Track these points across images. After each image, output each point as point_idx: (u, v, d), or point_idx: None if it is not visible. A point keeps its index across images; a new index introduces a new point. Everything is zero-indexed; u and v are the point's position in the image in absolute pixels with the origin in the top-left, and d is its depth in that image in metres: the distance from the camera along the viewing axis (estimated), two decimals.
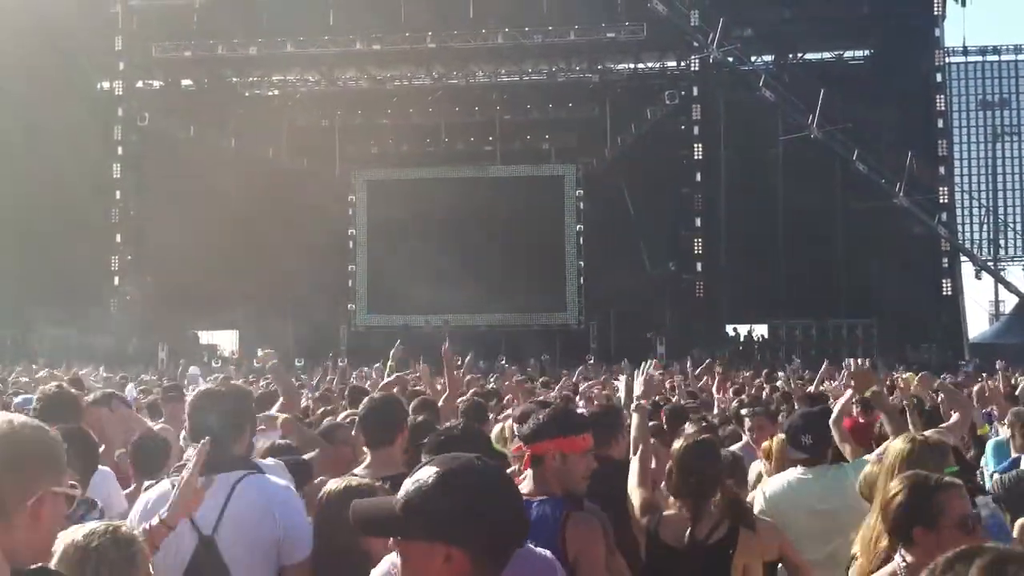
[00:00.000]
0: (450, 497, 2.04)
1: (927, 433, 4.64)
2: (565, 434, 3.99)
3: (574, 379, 14.47)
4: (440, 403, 7.01)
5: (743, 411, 7.57)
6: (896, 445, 4.07)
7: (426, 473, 2.10)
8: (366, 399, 5.28)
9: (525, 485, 3.90)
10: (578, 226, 38.80)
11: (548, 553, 3.20)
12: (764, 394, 11.32)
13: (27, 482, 2.11)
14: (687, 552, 4.29)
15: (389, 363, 9.30)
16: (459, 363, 9.46)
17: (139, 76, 40.04)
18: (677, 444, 4.57)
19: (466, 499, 2.04)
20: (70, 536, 2.70)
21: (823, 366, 13.68)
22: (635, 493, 4.59)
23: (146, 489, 4.21)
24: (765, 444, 5.82)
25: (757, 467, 6.08)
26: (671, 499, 4.51)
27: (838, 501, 4.79)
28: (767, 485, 5.27)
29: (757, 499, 5.14)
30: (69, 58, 38.10)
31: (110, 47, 38.10)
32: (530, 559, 3.14)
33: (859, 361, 6.63)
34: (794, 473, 5.22)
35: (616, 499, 4.54)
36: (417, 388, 9.10)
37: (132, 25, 38.26)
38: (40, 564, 2.17)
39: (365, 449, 5.00)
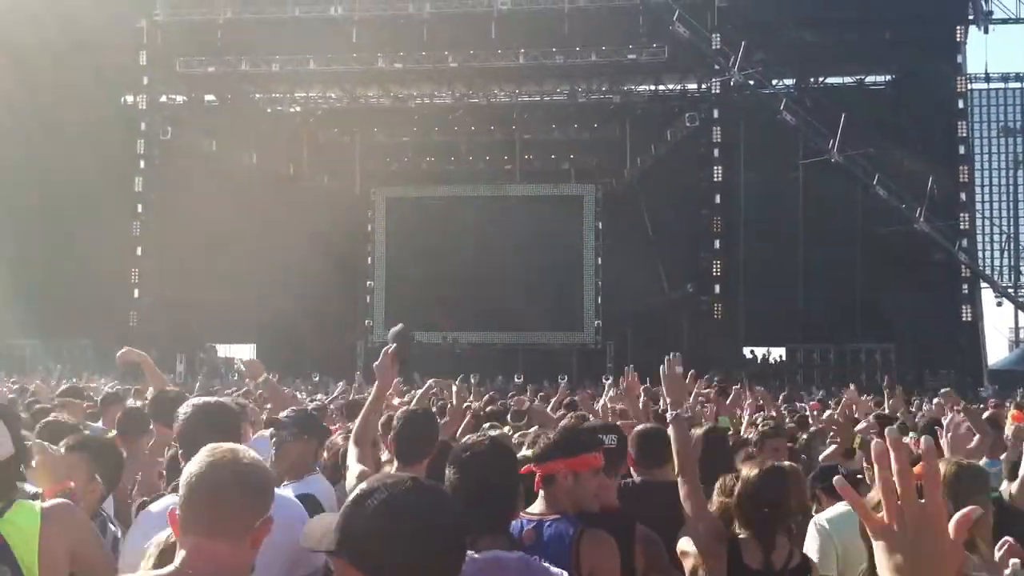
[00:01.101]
0: (377, 525, 2.02)
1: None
2: (576, 453, 3.99)
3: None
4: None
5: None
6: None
7: (363, 496, 2.08)
8: (403, 412, 5.23)
9: (537, 505, 3.91)
10: (597, 246, 38.81)
11: (563, 573, 3.22)
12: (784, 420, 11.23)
13: (262, 509, 2.44)
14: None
15: (416, 387, 9.30)
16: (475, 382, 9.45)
17: (163, 91, 40.34)
18: (748, 471, 4.44)
19: (395, 528, 2.01)
20: None
21: (849, 390, 13.31)
22: (701, 518, 4.36)
23: (141, 506, 4.17)
24: None
25: None
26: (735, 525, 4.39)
27: None
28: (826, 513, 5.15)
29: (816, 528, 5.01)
30: (94, 71, 38.42)
31: (135, 61, 38.38)
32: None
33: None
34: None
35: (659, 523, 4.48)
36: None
37: (157, 40, 38.55)
38: None
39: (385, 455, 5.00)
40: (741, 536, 4.33)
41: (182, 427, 3.88)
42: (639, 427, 5.33)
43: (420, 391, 7.41)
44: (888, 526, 1.60)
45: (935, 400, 12.70)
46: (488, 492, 3.23)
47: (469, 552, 3.02)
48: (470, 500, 3.17)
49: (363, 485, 2.14)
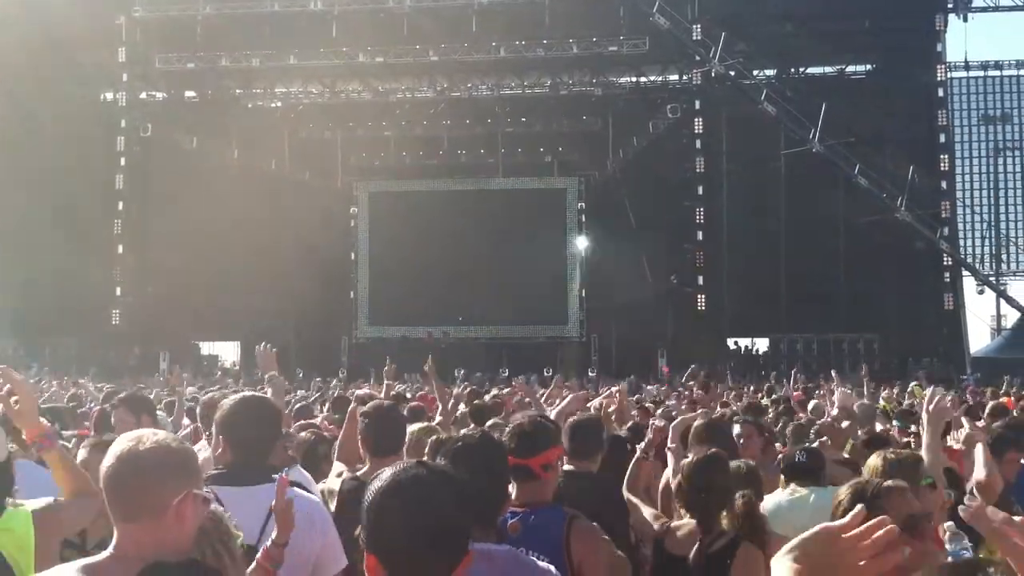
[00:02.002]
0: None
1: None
2: (558, 444, 4.06)
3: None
4: (437, 419, 7.03)
5: (734, 419, 7.53)
6: (870, 461, 4.20)
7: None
8: (371, 408, 5.26)
9: (517, 496, 3.90)
10: (580, 238, 38.82)
11: (551, 567, 3.21)
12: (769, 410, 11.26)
13: (174, 484, 2.57)
14: (692, 563, 4.31)
15: (386, 382, 9.33)
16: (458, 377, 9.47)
17: (142, 87, 40.11)
18: (687, 459, 4.58)
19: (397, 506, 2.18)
20: None
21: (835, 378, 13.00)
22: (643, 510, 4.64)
23: None
24: None
25: None
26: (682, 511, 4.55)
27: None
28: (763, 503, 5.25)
29: None
30: (73, 69, 38.24)
31: (114, 58, 38.20)
32: (532, 570, 3.15)
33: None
34: (787, 491, 5.27)
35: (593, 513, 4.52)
36: (416, 404, 9.13)
37: (136, 36, 38.36)
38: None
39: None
40: (675, 524, 4.50)
41: (224, 419, 3.96)
42: (573, 418, 5.34)
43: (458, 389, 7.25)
44: None
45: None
46: (477, 485, 3.21)
47: None
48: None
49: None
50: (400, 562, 2.14)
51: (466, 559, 2.22)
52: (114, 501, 2.64)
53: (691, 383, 12.58)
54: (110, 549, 2.64)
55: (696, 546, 4.34)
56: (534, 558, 3.24)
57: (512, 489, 3.95)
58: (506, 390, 13.78)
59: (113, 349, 36.42)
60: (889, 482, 3.40)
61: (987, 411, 9.49)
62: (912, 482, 3.90)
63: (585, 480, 4.90)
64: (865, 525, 1.70)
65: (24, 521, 3.33)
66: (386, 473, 2.25)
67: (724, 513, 4.37)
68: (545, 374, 28.19)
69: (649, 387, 21.51)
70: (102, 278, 37.53)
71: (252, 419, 3.92)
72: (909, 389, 17.39)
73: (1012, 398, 14.33)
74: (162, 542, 2.58)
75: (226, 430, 3.95)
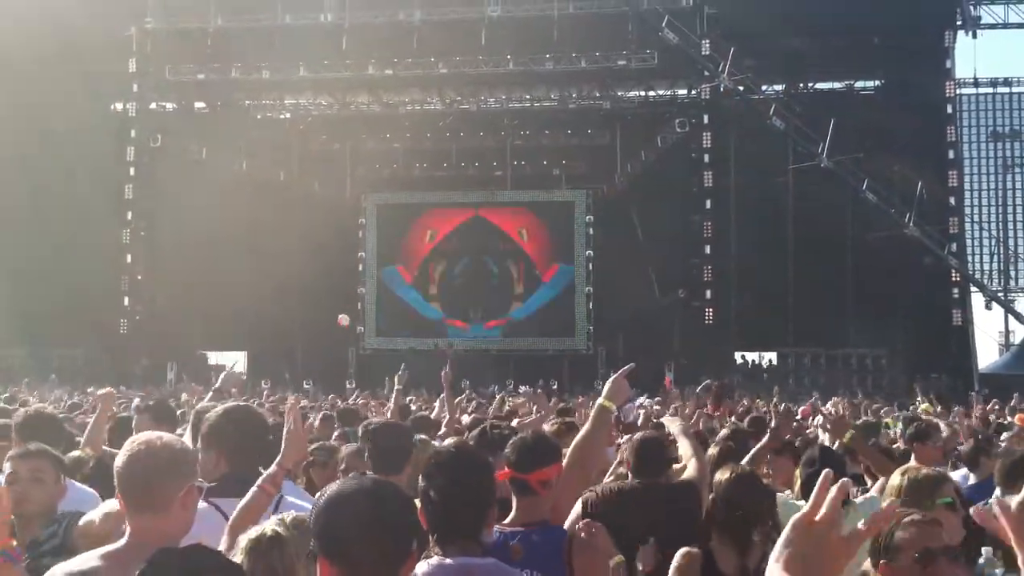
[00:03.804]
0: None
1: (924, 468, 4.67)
2: (558, 462, 4.02)
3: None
4: (443, 427, 7.03)
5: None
6: (892, 480, 4.20)
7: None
8: (372, 428, 5.26)
9: (516, 515, 3.87)
10: (587, 252, 38.80)
11: None
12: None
13: (180, 480, 3.02)
14: None
15: (396, 387, 9.30)
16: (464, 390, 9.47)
17: (153, 98, 40.23)
18: (721, 476, 4.50)
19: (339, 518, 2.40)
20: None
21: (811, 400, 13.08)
22: None
23: None
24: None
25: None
26: None
27: None
28: None
29: None
30: (84, 79, 38.37)
31: (124, 69, 38.32)
32: None
33: (835, 409, 6.74)
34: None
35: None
36: (423, 414, 9.13)
37: (147, 47, 38.49)
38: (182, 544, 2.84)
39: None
40: (713, 544, 4.33)
41: (212, 431, 4.09)
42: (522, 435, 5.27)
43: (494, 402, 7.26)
44: None
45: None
46: (457, 498, 3.17)
47: (438, 558, 3.02)
48: (438, 505, 3.14)
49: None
50: (348, 563, 2.34)
51: (410, 560, 2.40)
52: (129, 495, 3.02)
53: (705, 396, 12.57)
54: (125, 538, 3.01)
55: (736, 566, 4.23)
56: (521, 572, 3.21)
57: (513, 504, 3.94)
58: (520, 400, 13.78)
59: (121, 359, 36.44)
60: (912, 514, 3.38)
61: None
62: (930, 499, 3.98)
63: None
64: (829, 496, 1.72)
65: None
66: (332, 486, 2.50)
67: (756, 530, 4.30)
68: (552, 386, 28.15)
69: (642, 400, 21.01)
70: (110, 288, 37.59)
71: (240, 430, 3.99)
72: (916, 410, 17.23)
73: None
74: (170, 530, 2.94)
75: (216, 441, 4.02)
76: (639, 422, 7.98)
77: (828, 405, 9.63)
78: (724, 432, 6.93)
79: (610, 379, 4.51)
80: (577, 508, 4.74)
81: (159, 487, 3.00)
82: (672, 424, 6.43)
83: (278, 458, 3.69)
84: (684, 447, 5.78)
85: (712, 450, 6.40)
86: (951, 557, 3.27)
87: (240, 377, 7.26)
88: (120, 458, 3.09)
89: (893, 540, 3.28)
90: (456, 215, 39.65)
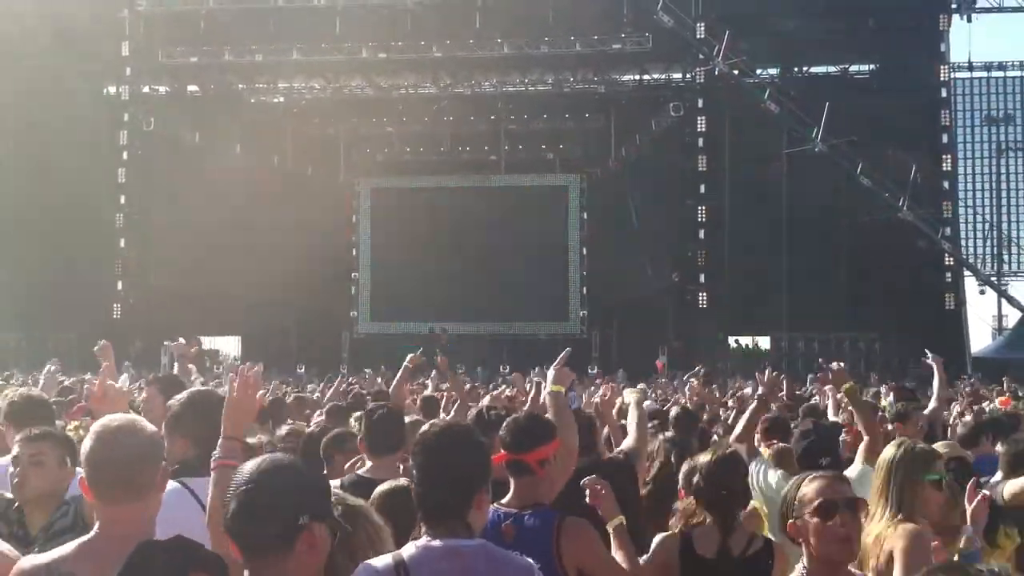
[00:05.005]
0: None
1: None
2: (554, 439, 3.99)
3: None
4: (452, 412, 7.05)
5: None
6: (886, 452, 4.28)
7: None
8: (368, 411, 5.30)
9: (512, 497, 3.86)
10: (581, 236, 38.81)
11: (530, 561, 3.17)
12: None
13: (159, 462, 2.97)
14: (719, 565, 4.24)
15: (406, 364, 8.92)
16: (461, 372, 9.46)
17: (145, 81, 40.06)
18: (704, 457, 4.50)
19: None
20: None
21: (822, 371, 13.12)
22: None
23: None
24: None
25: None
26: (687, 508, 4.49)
27: None
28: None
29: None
30: (76, 62, 38.17)
31: (117, 52, 38.15)
32: (506, 563, 3.12)
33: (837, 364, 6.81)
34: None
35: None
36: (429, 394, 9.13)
37: (139, 30, 38.32)
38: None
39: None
40: (695, 526, 4.36)
41: (177, 416, 4.04)
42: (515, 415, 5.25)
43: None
44: None
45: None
46: (443, 477, 3.11)
47: (426, 539, 3.01)
48: (423, 485, 3.11)
49: None
50: (241, 542, 2.48)
51: (305, 536, 2.46)
52: (107, 483, 2.86)
53: (692, 380, 12.59)
54: (95, 530, 2.88)
55: (718, 546, 4.25)
56: (509, 553, 3.17)
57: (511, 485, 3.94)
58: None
59: (114, 343, 36.28)
60: (810, 476, 3.46)
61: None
62: (921, 474, 4.12)
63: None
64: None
65: None
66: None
67: (740, 512, 4.35)
68: (546, 371, 28.14)
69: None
70: (104, 272, 37.51)
71: (202, 414, 3.88)
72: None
73: (1008, 397, 14.42)
74: (146, 517, 2.86)
75: (180, 428, 3.99)
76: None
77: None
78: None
79: (552, 367, 4.60)
80: None
81: (142, 472, 2.89)
82: (629, 394, 6.59)
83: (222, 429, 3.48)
84: (631, 417, 5.91)
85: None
86: (852, 510, 3.30)
87: (188, 350, 7.17)
88: (93, 444, 2.93)
89: (796, 497, 3.36)
90: (451, 200, 39.61)
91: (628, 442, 5.64)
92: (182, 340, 6.63)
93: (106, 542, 2.77)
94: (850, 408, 7.15)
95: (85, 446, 3.00)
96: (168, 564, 2.32)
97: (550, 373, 4.56)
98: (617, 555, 4.10)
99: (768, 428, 6.82)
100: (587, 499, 4.13)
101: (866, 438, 6.01)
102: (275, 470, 2.52)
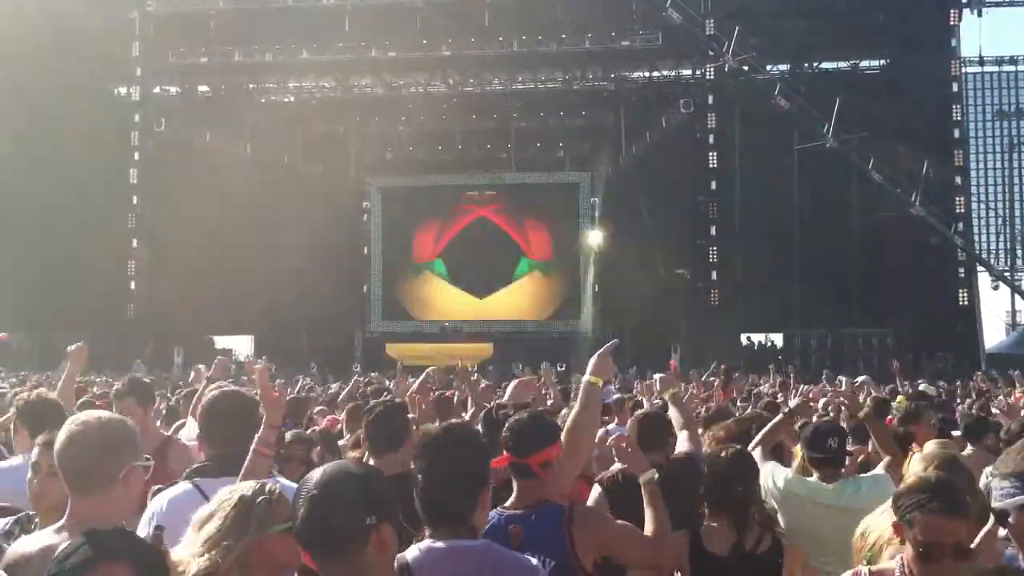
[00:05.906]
0: None
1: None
2: (557, 441, 3.96)
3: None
4: (468, 415, 7.02)
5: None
6: (914, 466, 4.22)
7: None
8: (369, 408, 5.30)
9: (515, 498, 3.83)
10: (593, 233, 38.78)
11: (532, 559, 3.17)
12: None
13: (118, 460, 3.02)
14: (732, 562, 4.23)
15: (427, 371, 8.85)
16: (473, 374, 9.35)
17: (156, 82, 40.18)
18: (717, 454, 4.50)
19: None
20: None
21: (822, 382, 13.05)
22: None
23: (156, 494, 4.15)
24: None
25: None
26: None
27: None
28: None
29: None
30: (86, 63, 38.29)
31: (127, 53, 38.25)
32: (511, 562, 3.11)
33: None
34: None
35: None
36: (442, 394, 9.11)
37: (149, 31, 38.41)
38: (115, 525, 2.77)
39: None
40: (707, 523, 4.34)
41: (203, 414, 4.23)
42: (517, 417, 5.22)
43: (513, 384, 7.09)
44: None
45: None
46: (446, 479, 3.09)
47: (428, 541, 3.01)
48: (426, 487, 3.09)
49: None
50: (311, 548, 2.54)
51: (375, 537, 2.50)
52: (69, 476, 3.03)
53: (712, 378, 12.57)
54: (64, 519, 3.04)
55: (733, 545, 4.25)
56: (512, 552, 3.16)
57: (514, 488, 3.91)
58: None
59: (127, 343, 36.48)
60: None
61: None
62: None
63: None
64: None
65: None
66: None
67: (753, 510, 4.33)
68: (558, 368, 28.11)
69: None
70: (116, 272, 37.64)
71: (229, 412, 4.05)
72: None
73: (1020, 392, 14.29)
74: (108, 512, 2.93)
75: (205, 424, 4.18)
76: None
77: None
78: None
79: (595, 355, 4.32)
80: (597, 490, 4.85)
81: (97, 468, 3.02)
82: (659, 382, 6.43)
83: (266, 419, 3.80)
84: (675, 415, 5.74)
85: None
86: (958, 558, 3.05)
87: (227, 363, 7.22)
88: (60, 436, 3.10)
89: (910, 504, 3.14)
90: (460, 209, 39.68)
91: (684, 443, 5.46)
92: (259, 362, 6.60)
93: (68, 531, 2.93)
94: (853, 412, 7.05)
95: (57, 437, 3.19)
96: (100, 549, 2.34)
97: (591, 361, 4.29)
98: (647, 512, 4.07)
99: (709, 419, 6.86)
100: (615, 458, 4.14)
101: (887, 458, 5.85)
102: (340, 475, 2.59)
